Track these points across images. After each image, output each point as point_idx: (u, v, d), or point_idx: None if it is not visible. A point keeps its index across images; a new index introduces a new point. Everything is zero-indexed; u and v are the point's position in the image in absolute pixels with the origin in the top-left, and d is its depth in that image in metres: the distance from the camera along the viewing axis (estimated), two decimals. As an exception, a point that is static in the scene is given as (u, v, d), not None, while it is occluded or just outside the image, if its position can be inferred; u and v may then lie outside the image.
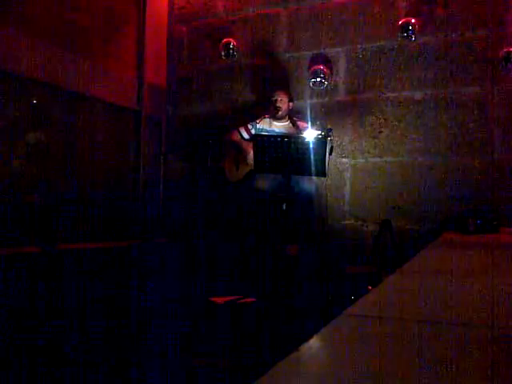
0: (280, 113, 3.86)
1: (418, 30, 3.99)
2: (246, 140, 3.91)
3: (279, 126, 3.94)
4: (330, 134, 3.08)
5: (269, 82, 4.58)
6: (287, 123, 3.95)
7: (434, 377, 0.69)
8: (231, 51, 4.61)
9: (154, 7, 4.94)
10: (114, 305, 2.98)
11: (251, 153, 3.50)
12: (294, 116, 4.03)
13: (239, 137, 3.96)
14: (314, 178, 3.78)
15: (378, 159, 4.20)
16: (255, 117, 4.07)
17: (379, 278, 3.20)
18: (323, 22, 4.41)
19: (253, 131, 3.94)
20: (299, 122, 3.91)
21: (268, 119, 3.95)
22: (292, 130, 3.87)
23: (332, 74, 4.35)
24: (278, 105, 3.84)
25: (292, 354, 0.75)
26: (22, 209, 3.62)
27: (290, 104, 3.96)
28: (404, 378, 0.69)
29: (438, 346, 0.85)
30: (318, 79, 4.29)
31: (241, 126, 4.02)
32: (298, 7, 4.52)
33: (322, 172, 3.03)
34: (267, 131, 3.92)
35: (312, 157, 2.97)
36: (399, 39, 4.08)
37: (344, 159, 4.31)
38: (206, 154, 3.68)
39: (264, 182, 3.78)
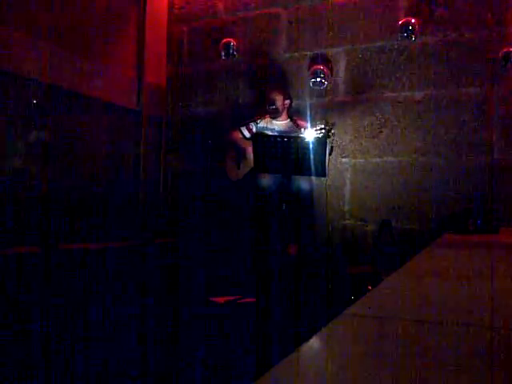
0: (274, 113, 3.88)
1: (418, 30, 3.99)
2: (248, 139, 3.92)
3: (279, 125, 3.95)
4: (334, 128, 3.09)
5: (269, 82, 4.58)
6: (287, 121, 3.96)
7: (434, 377, 0.69)
8: (231, 51, 4.61)
9: (153, 7, 4.94)
10: (115, 305, 2.98)
11: (251, 152, 3.50)
12: (293, 115, 4.04)
13: (240, 136, 3.96)
14: (314, 178, 3.78)
15: (378, 159, 4.20)
16: (255, 116, 4.07)
17: (379, 277, 3.19)
18: (323, 22, 4.41)
19: (254, 129, 3.95)
20: (299, 121, 3.92)
21: (269, 118, 3.97)
22: (292, 128, 3.88)
23: (332, 74, 4.35)
24: (271, 104, 3.87)
25: (292, 354, 0.75)
26: (22, 208, 3.62)
27: (287, 102, 3.96)
28: (404, 378, 0.69)
29: (438, 346, 0.85)
30: (318, 79, 4.28)
31: (242, 125, 4.02)
32: (298, 7, 4.51)
33: (321, 172, 3.03)
34: (268, 129, 3.93)
35: (312, 157, 2.97)
36: (399, 39, 4.08)
37: (344, 159, 4.31)
38: (206, 153, 3.68)
39: (264, 182, 3.78)
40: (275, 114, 3.90)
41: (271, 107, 3.87)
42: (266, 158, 3.07)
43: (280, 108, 3.89)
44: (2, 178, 3.53)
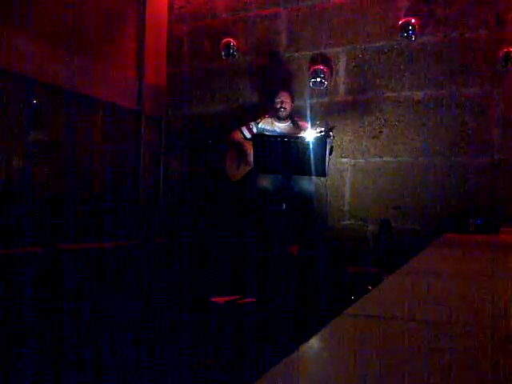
0: (285, 113, 3.89)
1: (418, 30, 3.99)
2: (248, 139, 3.92)
3: (281, 127, 3.95)
4: (333, 131, 3.10)
5: (269, 82, 4.59)
6: (289, 123, 3.96)
7: (435, 377, 0.69)
8: (231, 51, 4.61)
9: (153, 7, 4.94)
10: (115, 305, 2.98)
11: (252, 152, 3.50)
12: (294, 116, 4.04)
13: (241, 136, 3.96)
14: (314, 177, 3.78)
15: (378, 159, 4.20)
16: (256, 116, 4.08)
17: (379, 277, 3.19)
18: (323, 22, 4.41)
19: (254, 130, 3.95)
20: (300, 123, 3.92)
21: (270, 119, 3.97)
22: (293, 131, 3.88)
23: (332, 74, 4.35)
24: (283, 106, 3.87)
25: (292, 354, 0.75)
26: (22, 208, 3.62)
27: (292, 105, 4.00)
28: (404, 378, 0.69)
29: (438, 346, 0.85)
30: (318, 79, 4.29)
31: (242, 125, 4.03)
32: (298, 7, 4.52)
33: (321, 172, 3.03)
34: (269, 131, 3.92)
35: (312, 157, 2.97)
36: (399, 39, 4.08)
37: (344, 159, 4.31)
38: (206, 154, 3.69)
39: (264, 182, 3.78)
40: (283, 116, 3.91)
41: (282, 109, 3.87)
42: (266, 158, 3.07)
43: (288, 110, 3.91)
44: (2, 178, 3.54)
